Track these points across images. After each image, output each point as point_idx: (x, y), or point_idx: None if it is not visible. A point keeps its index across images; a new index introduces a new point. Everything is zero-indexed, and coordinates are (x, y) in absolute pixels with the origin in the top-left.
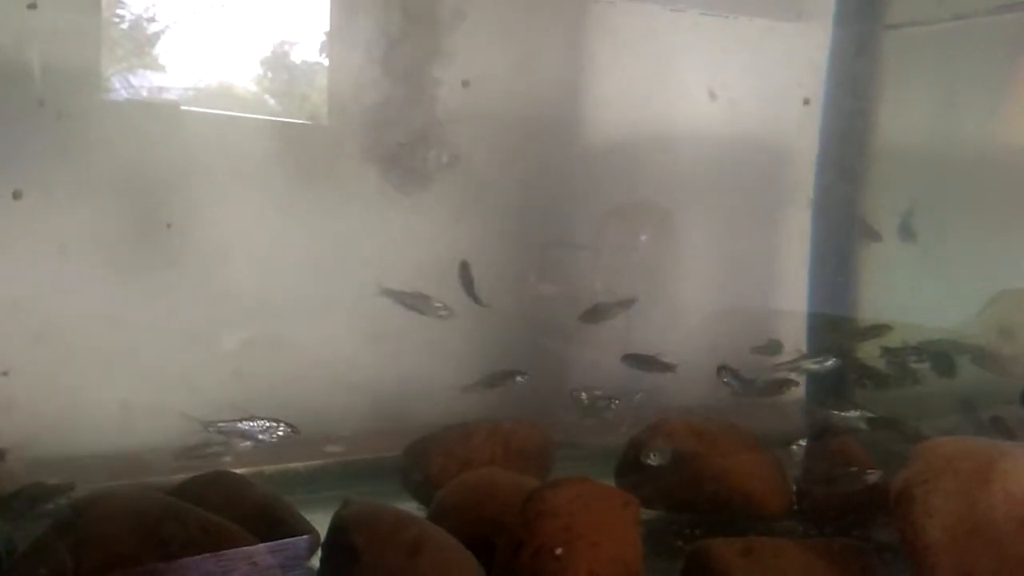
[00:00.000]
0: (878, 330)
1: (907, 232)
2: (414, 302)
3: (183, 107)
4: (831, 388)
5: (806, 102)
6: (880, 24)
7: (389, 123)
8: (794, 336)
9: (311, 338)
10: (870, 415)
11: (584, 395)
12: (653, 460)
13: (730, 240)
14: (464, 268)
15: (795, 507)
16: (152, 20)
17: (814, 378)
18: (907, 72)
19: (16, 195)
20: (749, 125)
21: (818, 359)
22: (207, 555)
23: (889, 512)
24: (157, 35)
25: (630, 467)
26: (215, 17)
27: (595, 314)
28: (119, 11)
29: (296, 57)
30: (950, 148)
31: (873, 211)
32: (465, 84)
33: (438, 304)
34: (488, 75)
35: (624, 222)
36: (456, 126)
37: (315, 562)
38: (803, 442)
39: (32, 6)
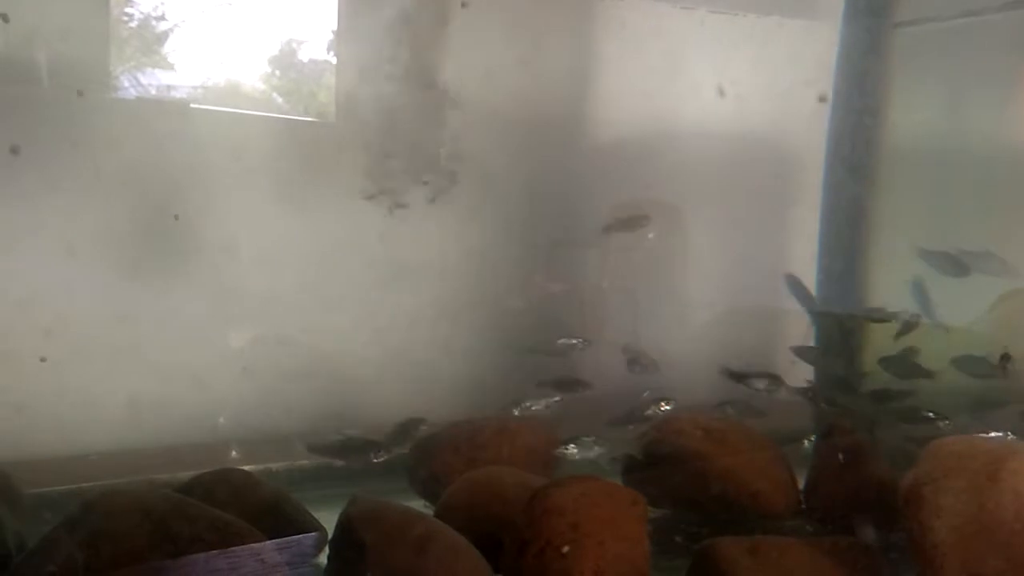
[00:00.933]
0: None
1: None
2: (761, 383)
3: (192, 105)
4: (837, 384)
5: (822, 99)
6: (889, 22)
7: (395, 125)
8: (802, 333)
9: (319, 335)
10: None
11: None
12: (572, 453)
13: (738, 237)
14: None
15: (802, 506)
16: (161, 19)
17: (821, 376)
18: (916, 69)
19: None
20: (757, 122)
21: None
22: (215, 552)
23: (897, 511)
24: (166, 34)
25: (638, 465)
26: (223, 16)
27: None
28: (128, 10)
29: (304, 55)
30: (959, 145)
31: (882, 209)
32: (464, 5)
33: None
34: (495, 72)
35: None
36: (463, 125)
37: (322, 559)
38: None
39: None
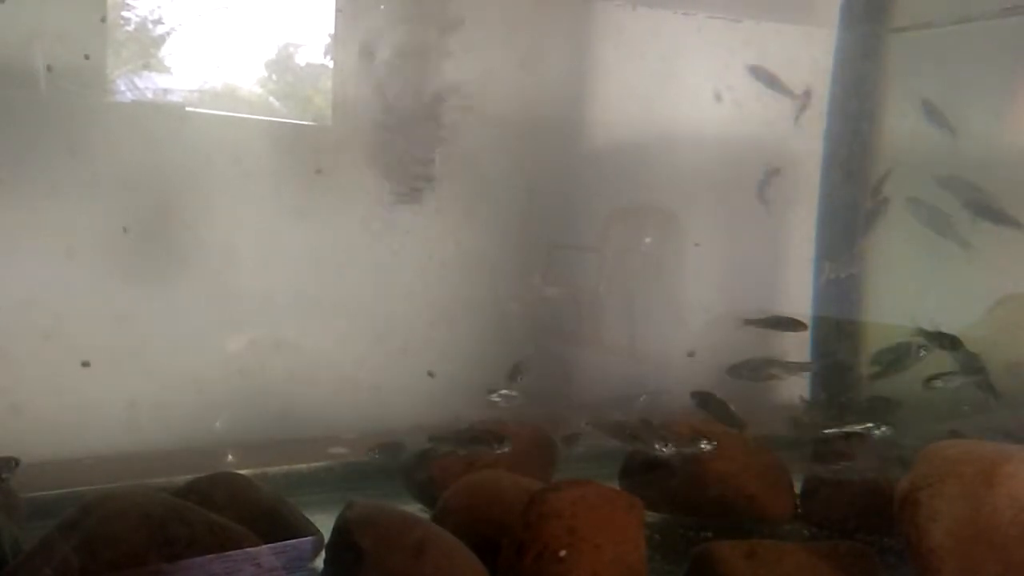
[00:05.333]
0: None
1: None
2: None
3: (189, 108)
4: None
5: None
6: (885, 27)
7: (393, 127)
8: (799, 339)
9: (316, 338)
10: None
11: None
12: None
13: (735, 242)
14: None
15: (799, 510)
16: (158, 22)
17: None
18: (912, 75)
19: None
20: (754, 127)
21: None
22: (212, 556)
23: (894, 516)
24: (163, 37)
25: (635, 469)
26: (220, 19)
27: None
28: (125, 13)
29: (300, 59)
30: (955, 150)
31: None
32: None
33: None
34: (494, 76)
35: (629, 224)
36: (461, 128)
37: (319, 563)
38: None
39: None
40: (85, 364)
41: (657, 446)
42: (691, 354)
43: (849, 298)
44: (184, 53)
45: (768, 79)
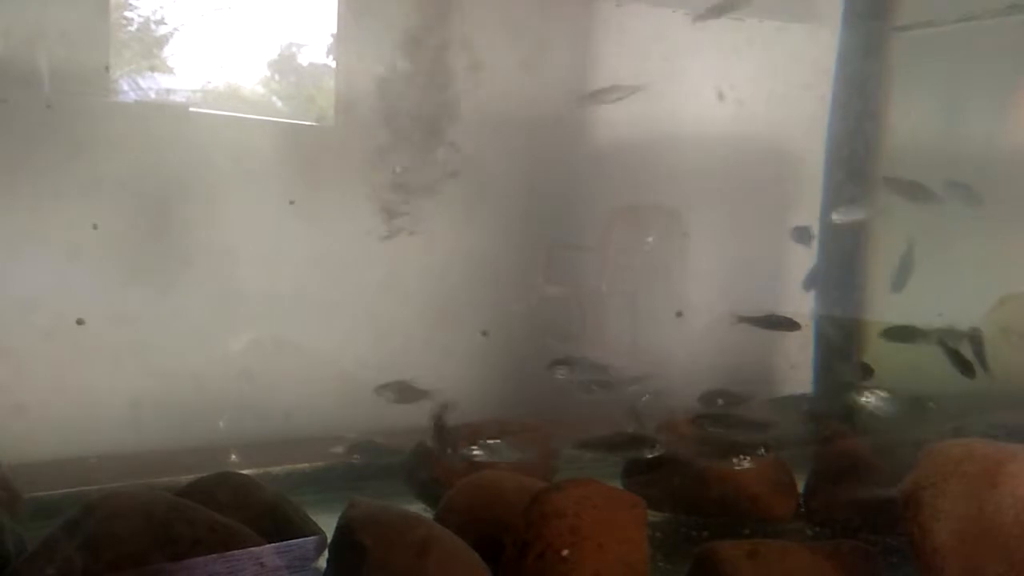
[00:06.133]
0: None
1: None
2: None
3: (191, 109)
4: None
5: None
6: (888, 25)
7: (394, 128)
8: (801, 338)
9: (318, 338)
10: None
11: None
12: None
13: (737, 241)
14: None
15: (802, 509)
16: (160, 23)
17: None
18: (915, 73)
19: None
20: (757, 126)
21: None
22: (215, 555)
23: (897, 515)
24: (165, 37)
25: (637, 468)
26: (223, 19)
27: None
28: (127, 14)
29: (303, 59)
30: (958, 149)
31: (880, 214)
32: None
33: None
34: (496, 75)
35: (631, 223)
36: (463, 128)
37: (322, 563)
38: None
39: None
40: (80, 322)
41: (735, 461)
42: (679, 314)
43: (850, 299)
44: (187, 53)
45: None
